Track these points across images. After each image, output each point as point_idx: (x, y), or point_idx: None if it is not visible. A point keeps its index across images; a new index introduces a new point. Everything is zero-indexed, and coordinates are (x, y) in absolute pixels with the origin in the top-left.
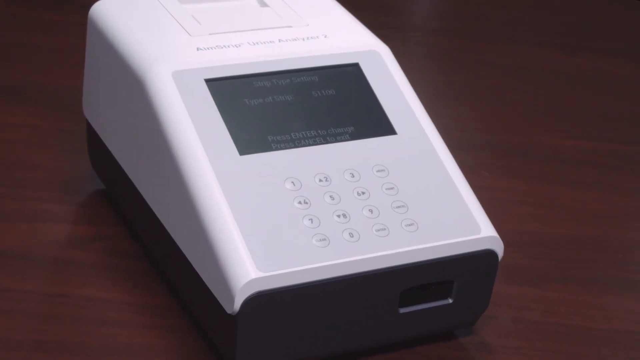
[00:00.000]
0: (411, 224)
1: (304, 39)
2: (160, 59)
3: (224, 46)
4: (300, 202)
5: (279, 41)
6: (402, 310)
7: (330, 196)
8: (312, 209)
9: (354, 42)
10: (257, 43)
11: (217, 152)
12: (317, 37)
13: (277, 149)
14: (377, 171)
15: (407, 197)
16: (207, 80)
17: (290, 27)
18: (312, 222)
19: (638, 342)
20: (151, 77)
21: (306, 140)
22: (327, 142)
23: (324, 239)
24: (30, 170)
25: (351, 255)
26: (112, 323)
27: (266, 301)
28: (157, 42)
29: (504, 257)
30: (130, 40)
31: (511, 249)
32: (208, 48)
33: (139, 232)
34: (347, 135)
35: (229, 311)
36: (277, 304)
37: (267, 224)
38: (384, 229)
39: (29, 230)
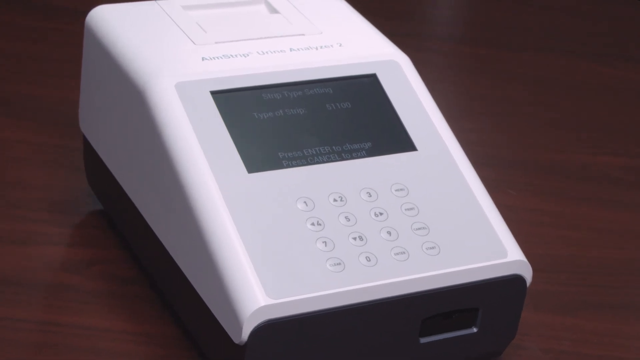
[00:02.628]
0: (432, 247)
1: (317, 48)
2: (163, 69)
3: (231, 56)
4: (313, 224)
5: (290, 50)
6: (423, 340)
7: (346, 217)
8: (326, 231)
9: (370, 51)
10: (267, 52)
11: (224, 169)
12: (332, 45)
13: (288, 166)
14: (396, 190)
15: (428, 218)
16: (213, 93)
17: (303, 35)
18: (326, 245)
19: None
20: (153, 89)
21: (320, 157)
22: (342, 159)
23: (339, 263)
24: (23, 189)
25: (368, 280)
26: (110, 353)
27: (276, 330)
28: (159, 52)
29: (532, 282)
30: (130, 49)
31: (540, 274)
32: (214, 58)
33: (139, 256)
34: (364, 152)
35: (236, 341)
36: (288, 333)
37: (277, 247)
38: (404, 253)
39: (22, 253)
